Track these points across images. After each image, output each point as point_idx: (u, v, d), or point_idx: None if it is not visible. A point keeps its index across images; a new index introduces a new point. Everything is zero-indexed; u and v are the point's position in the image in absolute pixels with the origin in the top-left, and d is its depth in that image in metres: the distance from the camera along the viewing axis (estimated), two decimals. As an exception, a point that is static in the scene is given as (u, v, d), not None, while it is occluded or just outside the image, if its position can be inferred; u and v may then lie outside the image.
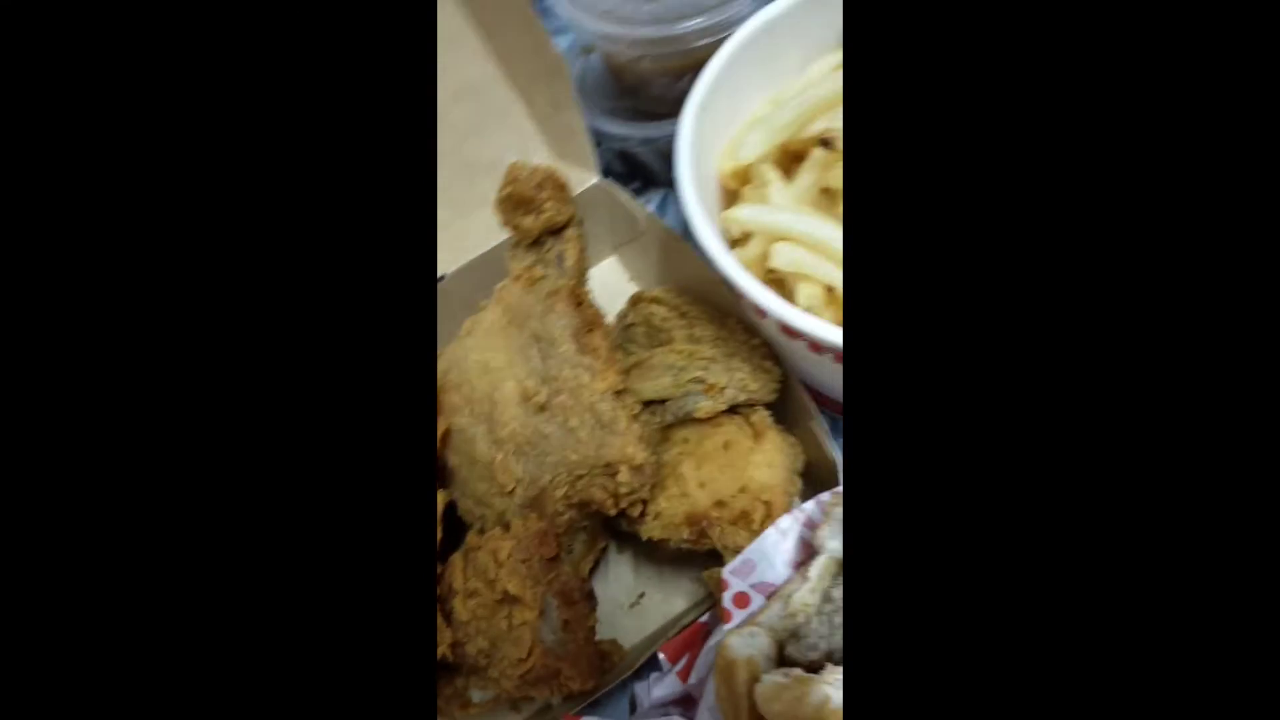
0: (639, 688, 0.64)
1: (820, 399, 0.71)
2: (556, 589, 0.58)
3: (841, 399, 0.71)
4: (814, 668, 0.44)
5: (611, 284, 0.88)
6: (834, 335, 0.54)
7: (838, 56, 0.71)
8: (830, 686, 0.41)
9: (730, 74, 0.68)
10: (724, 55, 0.68)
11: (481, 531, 0.59)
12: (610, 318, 0.80)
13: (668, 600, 0.70)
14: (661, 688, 0.62)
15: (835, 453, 0.64)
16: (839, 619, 0.46)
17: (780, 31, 0.70)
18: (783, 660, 0.46)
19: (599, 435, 0.58)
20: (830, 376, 0.65)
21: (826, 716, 0.40)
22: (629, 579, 0.71)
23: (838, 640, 0.46)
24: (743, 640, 0.46)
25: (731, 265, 0.59)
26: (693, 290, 0.74)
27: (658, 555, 0.71)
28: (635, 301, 0.76)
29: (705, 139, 0.68)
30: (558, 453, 0.59)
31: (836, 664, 0.43)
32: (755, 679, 0.43)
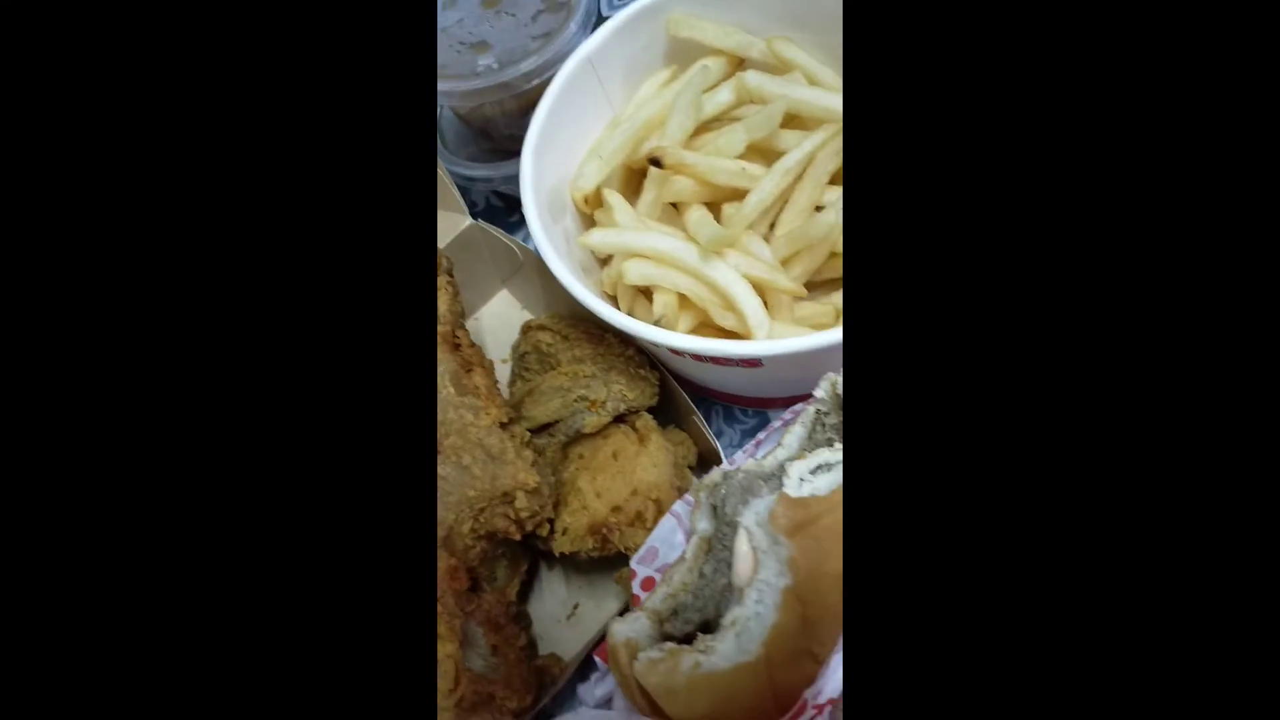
0: (583, 689, 0.68)
1: (704, 390, 0.77)
2: (480, 618, 0.62)
3: (716, 388, 0.76)
4: (689, 639, 0.49)
5: (507, 314, 0.92)
6: (680, 341, 0.60)
7: (662, 75, 0.77)
8: (700, 654, 0.46)
9: (561, 109, 0.73)
10: (551, 94, 0.73)
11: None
12: (508, 349, 0.85)
13: (601, 605, 0.74)
14: (602, 686, 0.66)
15: (714, 440, 0.69)
16: (708, 591, 0.52)
17: (603, 60, 0.75)
18: (664, 638, 0.51)
19: (491, 468, 0.62)
20: (699, 372, 0.71)
21: (695, 681, 0.45)
22: (562, 592, 0.75)
23: (709, 611, 0.51)
24: (624, 625, 0.50)
25: (581, 291, 0.64)
26: (574, 312, 0.79)
27: (586, 565, 0.75)
28: (525, 330, 0.81)
29: (550, 173, 0.73)
30: (457, 491, 0.63)
31: (707, 633, 0.48)
32: (634, 657, 0.48)
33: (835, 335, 0.58)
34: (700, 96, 0.69)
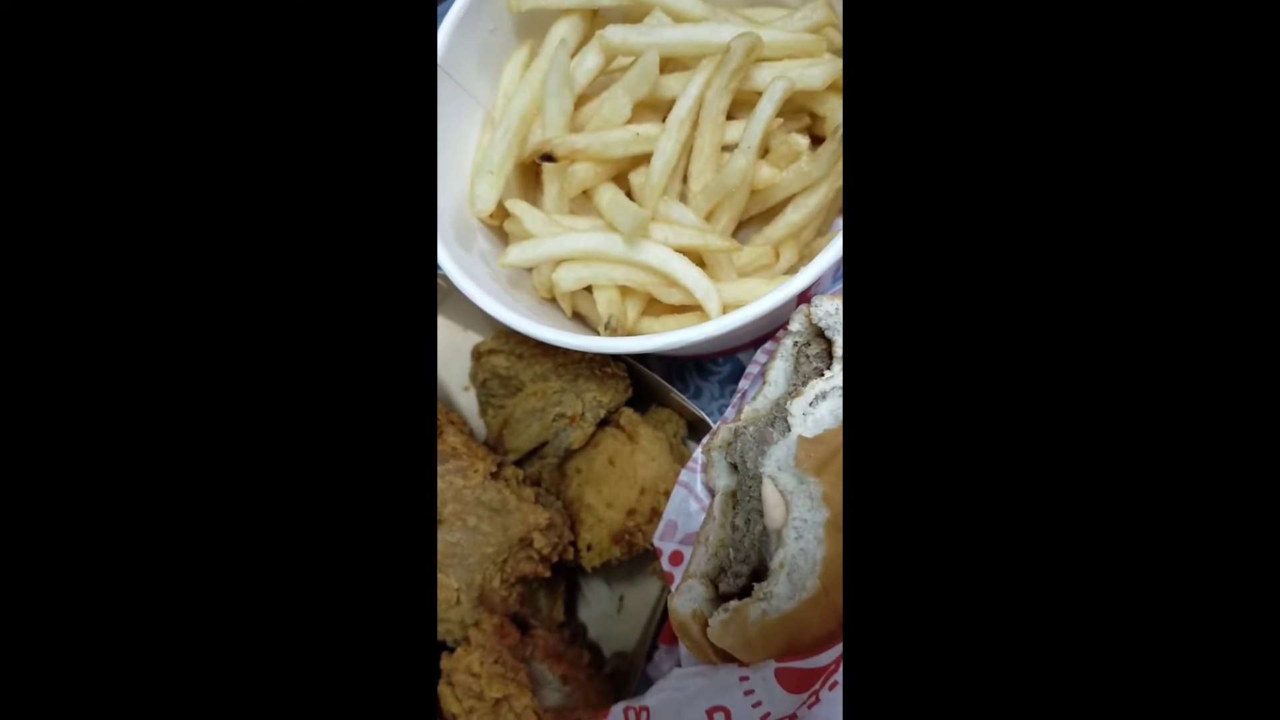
0: (650, 670, 0.73)
1: (671, 356, 0.78)
2: (540, 655, 0.65)
3: (683, 354, 0.77)
4: (745, 591, 0.52)
5: (452, 341, 0.90)
6: (641, 344, 0.60)
7: (520, 56, 0.73)
8: (761, 602, 0.49)
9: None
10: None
11: (448, 646, 0.65)
12: (463, 375, 0.84)
13: (644, 592, 0.78)
14: (668, 661, 0.71)
15: (699, 410, 0.71)
16: (747, 542, 0.54)
17: (453, 62, 0.71)
18: (721, 598, 0.54)
19: (498, 521, 0.64)
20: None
21: (765, 627, 0.48)
22: (605, 591, 0.79)
23: (754, 560, 0.55)
24: (683, 599, 0.54)
25: (519, 321, 0.64)
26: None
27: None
28: (477, 356, 0.80)
29: (444, 198, 0.70)
30: (475, 552, 0.65)
31: (759, 581, 0.51)
32: (705, 625, 0.51)
33: (797, 282, 0.58)
34: (568, 73, 0.66)
